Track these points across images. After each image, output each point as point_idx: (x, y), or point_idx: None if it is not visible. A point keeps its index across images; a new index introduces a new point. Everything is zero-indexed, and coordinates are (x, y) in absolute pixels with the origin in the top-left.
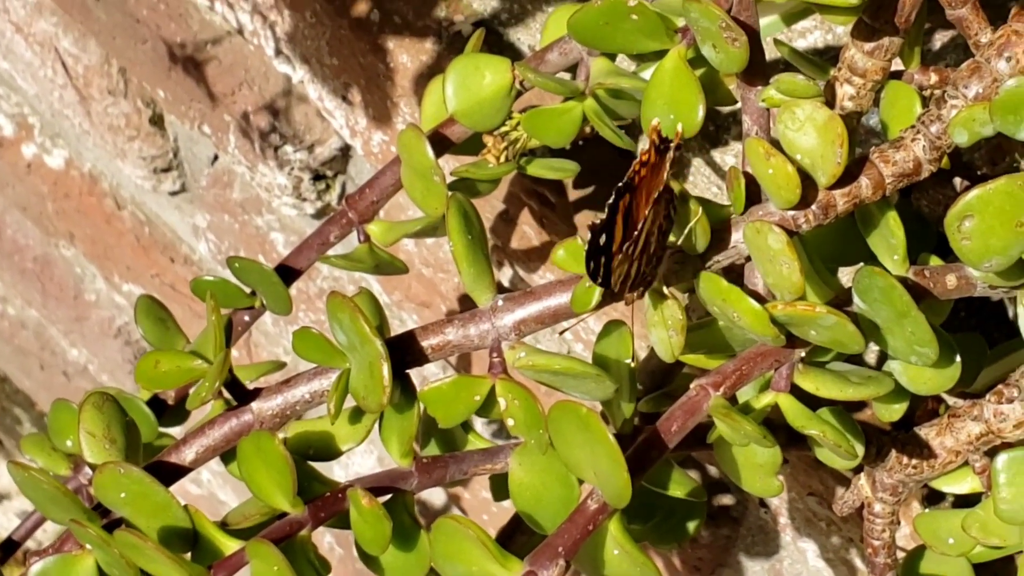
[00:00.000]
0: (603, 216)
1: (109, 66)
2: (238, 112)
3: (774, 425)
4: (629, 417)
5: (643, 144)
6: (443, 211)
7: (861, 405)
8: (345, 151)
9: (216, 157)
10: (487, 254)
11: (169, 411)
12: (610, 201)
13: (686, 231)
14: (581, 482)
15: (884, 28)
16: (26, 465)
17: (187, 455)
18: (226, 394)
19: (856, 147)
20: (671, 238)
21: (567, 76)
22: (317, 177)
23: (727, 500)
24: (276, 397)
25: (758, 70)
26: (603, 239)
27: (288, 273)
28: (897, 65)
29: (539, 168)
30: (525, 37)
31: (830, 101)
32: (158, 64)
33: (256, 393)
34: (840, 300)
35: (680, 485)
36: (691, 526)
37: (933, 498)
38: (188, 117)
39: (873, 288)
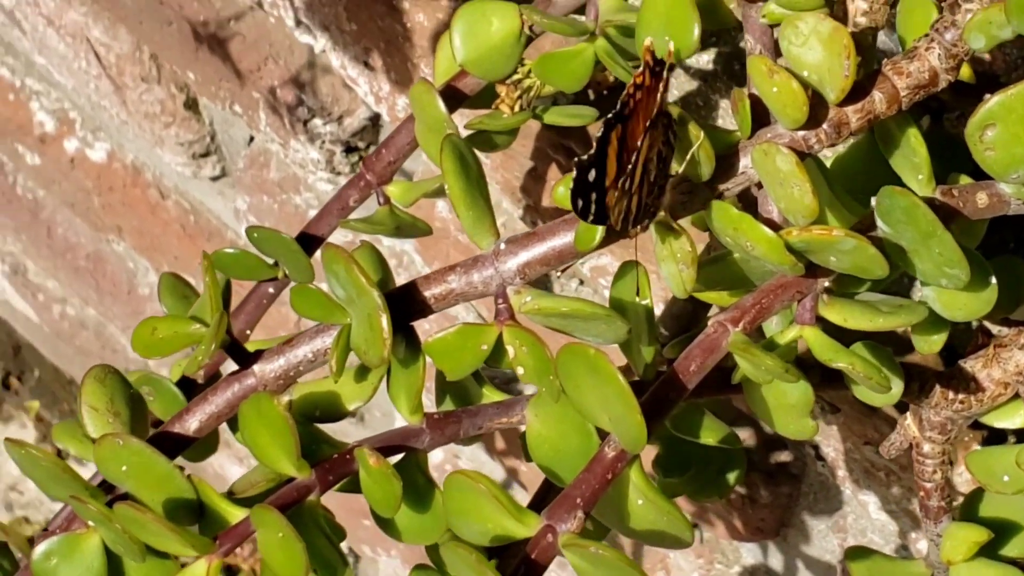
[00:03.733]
0: (591, 151)
1: (140, 52)
2: (265, 88)
3: (806, 364)
4: (651, 362)
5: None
6: None
7: (909, 348)
8: (375, 120)
9: (252, 138)
10: (486, 196)
11: (199, 391)
12: (599, 134)
13: (688, 158)
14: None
15: None
16: (22, 442)
17: (191, 424)
18: None
19: (873, 68)
20: (673, 166)
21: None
22: (349, 149)
23: (785, 457)
24: (278, 358)
25: None
26: (593, 174)
27: (309, 241)
28: None
29: (555, 116)
30: None
31: (842, 17)
32: (185, 45)
33: (258, 356)
34: (864, 226)
35: (711, 432)
36: (731, 477)
37: (995, 440)
38: (219, 97)
39: (895, 208)
